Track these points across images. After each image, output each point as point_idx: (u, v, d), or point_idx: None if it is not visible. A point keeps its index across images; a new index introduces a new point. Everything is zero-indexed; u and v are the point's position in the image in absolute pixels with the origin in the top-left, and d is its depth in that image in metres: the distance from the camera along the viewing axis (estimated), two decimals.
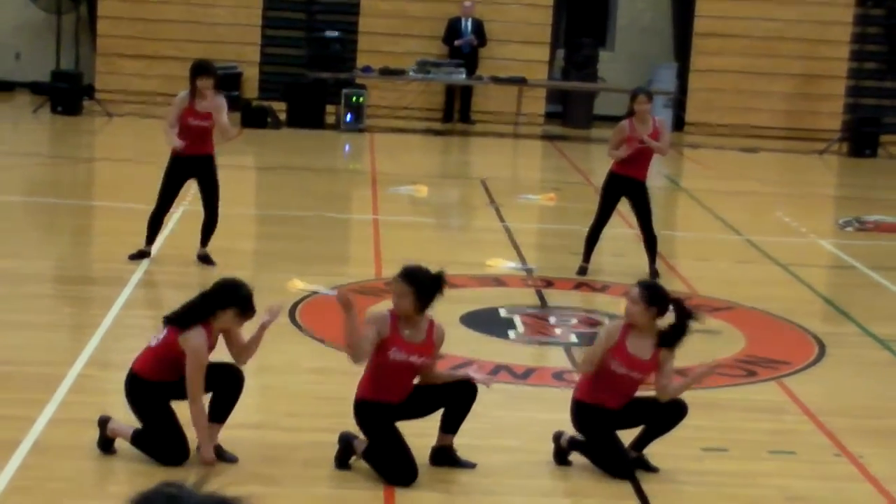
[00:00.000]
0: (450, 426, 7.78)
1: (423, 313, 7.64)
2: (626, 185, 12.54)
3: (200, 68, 12.07)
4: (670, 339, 7.85)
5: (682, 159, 22.28)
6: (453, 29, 23.17)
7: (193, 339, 7.42)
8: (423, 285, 7.57)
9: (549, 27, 24.23)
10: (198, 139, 11.99)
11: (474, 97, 23.66)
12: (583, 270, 12.71)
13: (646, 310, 7.78)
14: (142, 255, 12.21)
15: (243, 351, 7.75)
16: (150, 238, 12.26)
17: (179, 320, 7.52)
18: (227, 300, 7.53)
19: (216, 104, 11.97)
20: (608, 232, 14.85)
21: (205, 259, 12.23)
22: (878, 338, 11.21)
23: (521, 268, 13.03)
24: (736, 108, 24.35)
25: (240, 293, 7.57)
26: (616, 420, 7.84)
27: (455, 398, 7.72)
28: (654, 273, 12.45)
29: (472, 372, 7.88)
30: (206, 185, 12.25)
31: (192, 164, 12.09)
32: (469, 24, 23.18)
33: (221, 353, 7.73)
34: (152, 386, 7.56)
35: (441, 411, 7.79)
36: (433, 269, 7.66)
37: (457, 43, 23.07)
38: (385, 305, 10.77)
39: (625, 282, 12.63)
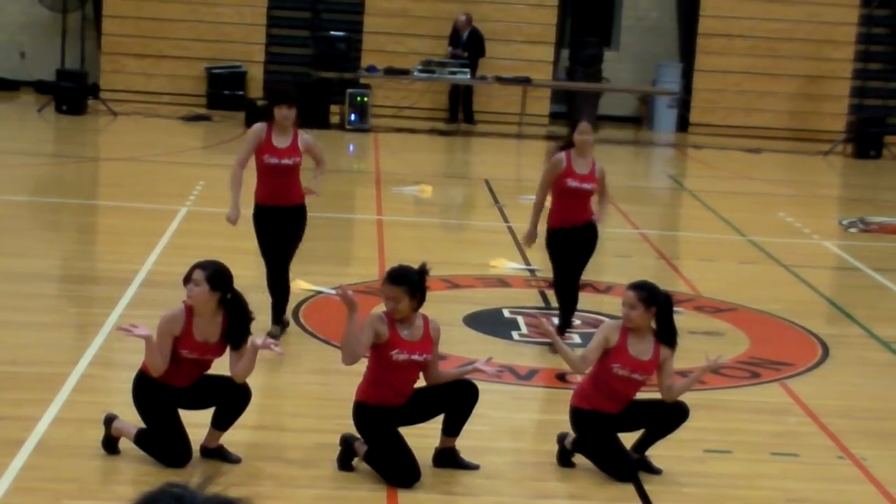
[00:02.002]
0: (452, 429, 7.79)
1: (418, 311, 7.67)
2: (572, 237, 10.26)
3: (281, 95, 9.81)
4: (666, 333, 7.84)
5: (685, 159, 22.28)
6: (455, 36, 23.30)
7: (168, 311, 7.58)
8: (413, 283, 7.59)
9: (554, 27, 24.24)
10: (280, 184, 9.81)
11: (480, 97, 23.66)
12: (562, 328, 10.36)
13: (645, 311, 7.79)
14: (281, 325, 10.17)
15: (237, 364, 7.64)
16: (277, 308, 10.16)
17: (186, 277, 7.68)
18: (187, 275, 7.59)
19: (305, 142, 9.89)
20: (612, 233, 14.89)
21: (278, 331, 10.04)
22: (881, 339, 11.21)
23: (524, 268, 13.03)
24: (740, 109, 24.35)
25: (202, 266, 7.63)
26: (616, 424, 7.84)
27: (456, 401, 7.72)
28: (564, 327, 10.38)
29: (481, 365, 7.82)
30: (286, 235, 9.98)
31: (279, 217, 9.89)
32: (465, 36, 23.26)
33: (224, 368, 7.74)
34: (159, 387, 7.57)
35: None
36: (416, 265, 7.70)
37: (449, 52, 23.15)
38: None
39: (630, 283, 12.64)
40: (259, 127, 9.83)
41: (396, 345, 7.56)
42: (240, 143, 9.72)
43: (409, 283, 7.58)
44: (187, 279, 7.55)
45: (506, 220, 15.47)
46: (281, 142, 9.76)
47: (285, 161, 9.74)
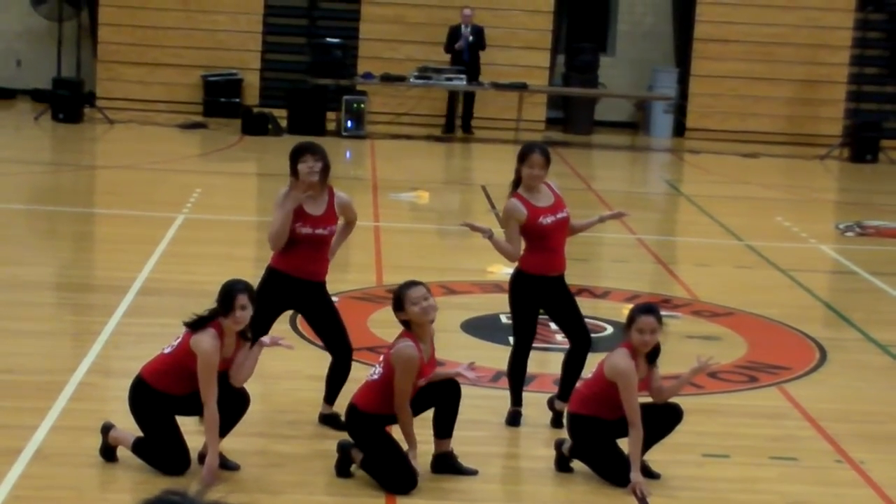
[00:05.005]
0: (442, 430, 7.78)
1: None
2: (541, 287, 8.58)
3: (301, 149, 8.32)
4: (655, 354, 7.86)
5: (682, 164, 22.29)
6: (454, 37, 23.11)
7: (202, 340, 7.40)
8: None
9: (550, 33, 24.25)
10: (310, 256, 8.32)
11: (476, 103, 23.59)
12: (516, 417, 8.71)
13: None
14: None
15: (238, 368, 7.62)
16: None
17: (194, 324, 7.51)
18: (230, 304, 7.49)
19: (341, 202, 8.44)
20: (608, 237, 14.90)
21: (330, 421, 8.47)
22: (879, 343, 11.21)
23: None
24: (736, 114, 24.36)
25: (229, 294, 7.52)
26: (613, 430, 7.83)
27: (440, 399, 7.72)
28: (559, 410, 8.66)
29: (463, 370, 7.83)
30: (320, 317, 8.49)
31: (298, 291, 8.36)
32: (469, 31, 23.10)
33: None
34: (157, 395, 7.54)
35: (431, 419, 7.78)
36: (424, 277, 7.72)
37: (457, 46, 22.91)
38: (384, 313, 10.79)
39: (627, 287, 12.64)
40: (285, 192, 8.30)
41: (423, 374, 7.62)
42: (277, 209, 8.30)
43: None
44: (231, 308, 7.47)
45: (502, 226, 15.45)
46: (314, 207, 8.31)
47: (323, 231, 8.33)
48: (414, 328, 7.57)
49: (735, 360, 10.42)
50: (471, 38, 22.88)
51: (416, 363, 7.50)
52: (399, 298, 7.59)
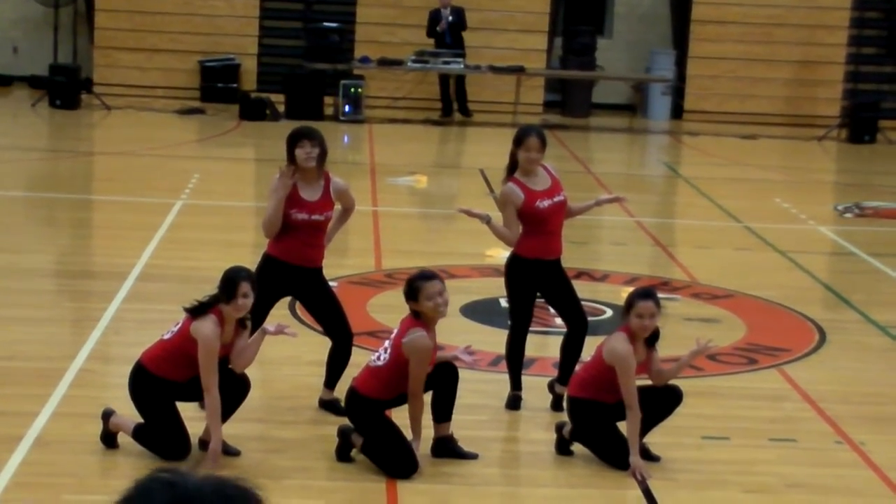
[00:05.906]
0: (441, 414, 7.80)
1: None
2: (537, 271, 8.55)
3: (298, 134, 8.30)
4: (654, 337, 7.86)
5: (680, 147, 22.27)
6: (435, 21, 23.03)
7: (203, 327, 7.41)
8: None
9: (547, 15, 24.21)
10: (307, 243, 8.31)
11: (473, 87, 23.56)
12: (516, 400, 8.72)
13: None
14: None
15: (240, 354, 7.65)
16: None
17: (195, 310, 7.51)
18: (232, 292, 7.49)
19: (337, 188, 8.43)
20: (606, 220, 14.89)
21: (330, 406, 8.46)
22: (878, 324, 11.22)
23: None
24: (734, 95, 24.33)
25: (232, 281, 7.51)
26: (613, 413, 7.84)
27: (436, 384, 7.74)
28: (559, 394, 8.66)
29: (460, 353, 7.84)
30: (319, 303, 8.50)
31: (294, 277, 8.35)
32: (448, 12, 23.01)
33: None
34: (157, 381, 7.55)
35: (429, 403, 7.79)
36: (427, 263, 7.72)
37: (439, 28, 22.81)
38: (384, 297, 10.80)
39: (626, 271, 12.64)
40: (279, 176, 8.30)
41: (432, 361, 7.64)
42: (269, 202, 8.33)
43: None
44: (233, 295, 7.46)
45: (500, 211, 15.43)
46: (310, 193, 8.30)
47: (319, 217, 8.33)
48: (424, 318, 7.57)
49: (734, 343, 10.43)
50: (450, 17, 22.81)
51: (430, 353, 7.53)
52: (414, 290, 7.57)
